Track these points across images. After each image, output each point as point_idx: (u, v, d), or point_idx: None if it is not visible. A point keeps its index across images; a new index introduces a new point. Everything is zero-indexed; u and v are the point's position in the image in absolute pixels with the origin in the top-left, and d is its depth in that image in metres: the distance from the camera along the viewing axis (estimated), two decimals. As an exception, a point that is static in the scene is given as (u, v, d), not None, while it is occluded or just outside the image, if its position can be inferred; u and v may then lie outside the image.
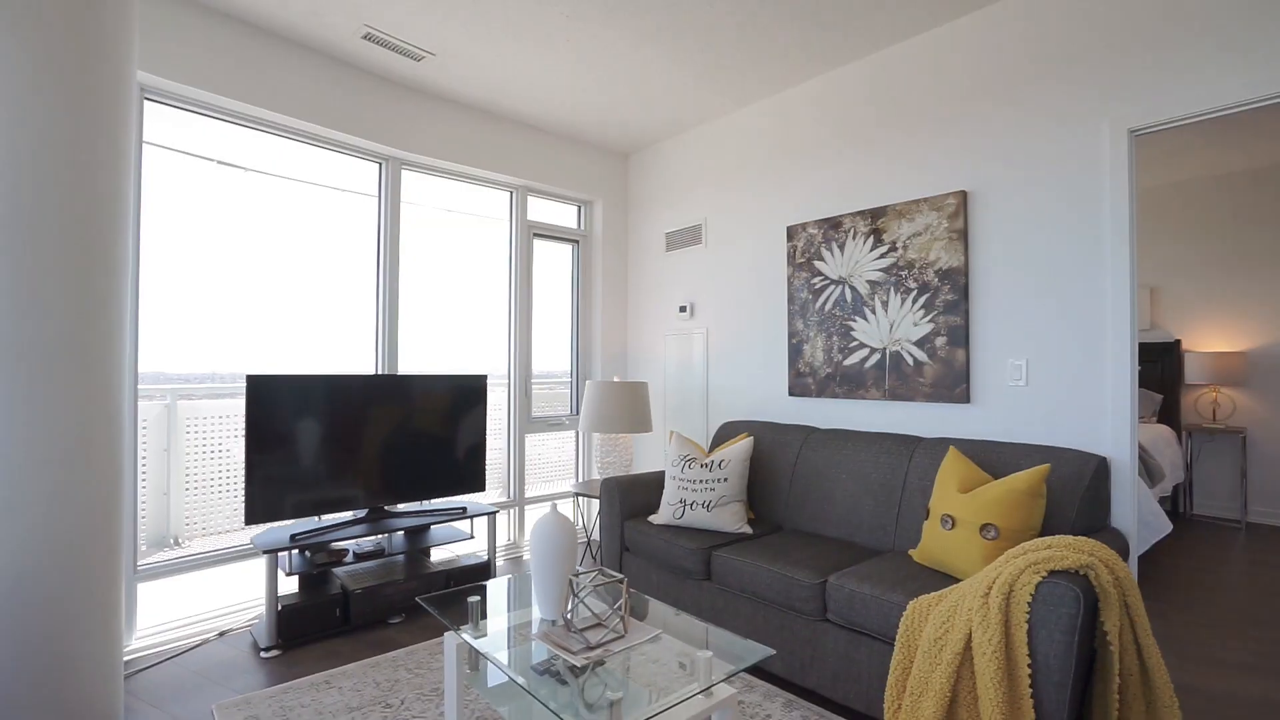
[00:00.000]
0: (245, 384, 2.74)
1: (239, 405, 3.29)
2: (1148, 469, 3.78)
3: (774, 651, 1.72)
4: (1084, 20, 2.42)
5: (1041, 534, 2.16)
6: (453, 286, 3.89)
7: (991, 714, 1.65)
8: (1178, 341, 5.15)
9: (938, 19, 2.79)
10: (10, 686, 1.76)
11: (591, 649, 1.70)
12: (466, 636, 1.86)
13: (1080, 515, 2.19)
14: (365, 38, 3.01)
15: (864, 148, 3.12)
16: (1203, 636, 2.83)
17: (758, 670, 2.44)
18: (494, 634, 1.92)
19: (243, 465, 2.81)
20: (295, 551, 3.00)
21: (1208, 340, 5.04)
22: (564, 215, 4.46)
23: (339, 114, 3.24)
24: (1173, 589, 3.43)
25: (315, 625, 2.77)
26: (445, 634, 2.12)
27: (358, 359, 3.54)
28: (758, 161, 3.64)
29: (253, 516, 2.76)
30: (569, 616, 1.79)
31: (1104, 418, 2.35)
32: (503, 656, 1.75)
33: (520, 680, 1.61)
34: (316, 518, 3.08)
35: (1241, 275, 4.84)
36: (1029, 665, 1.66)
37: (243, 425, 2.79)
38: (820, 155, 3.31)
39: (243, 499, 2.79)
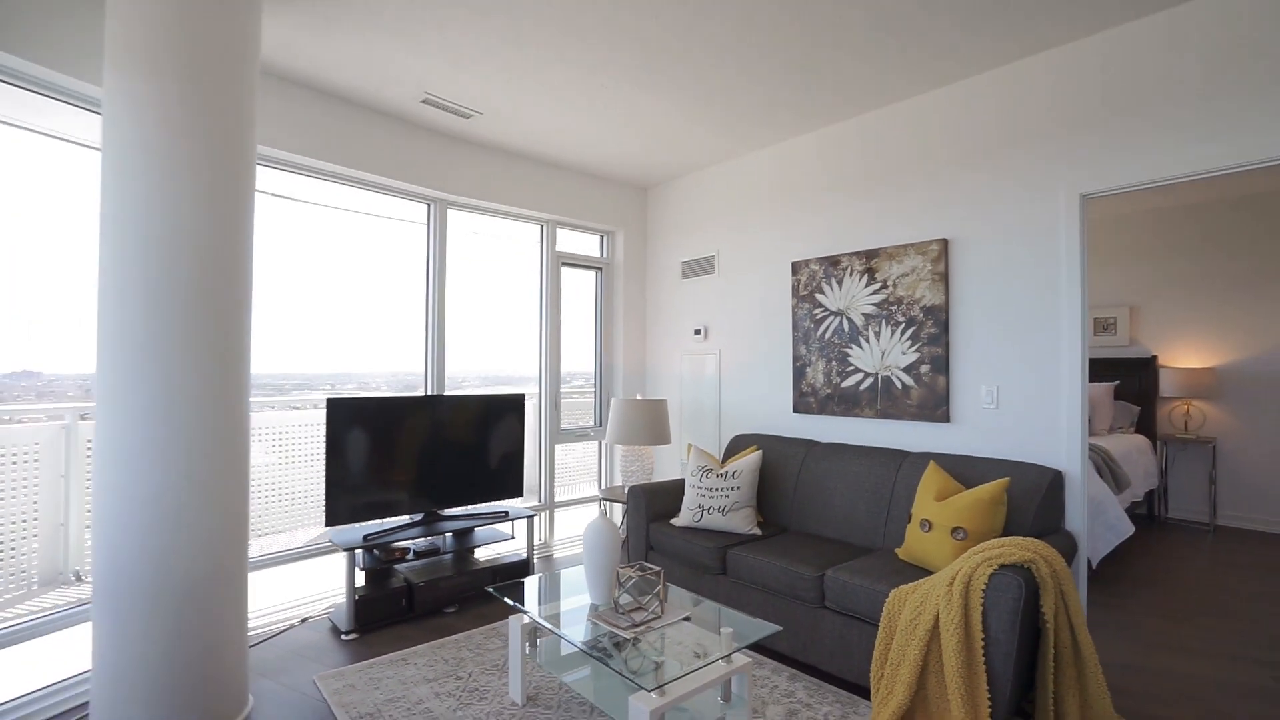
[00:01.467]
0: (325, 406, 3.20)
1: (301, 416, 3.76)
2: (1115, 477, 4.19)
3: (780, 628, 2.17)
4: (1045, 99, 2.85)
5: (1003, 534, 2.59)
6: (491, 310, 4.34)
7: (954, 678, 2.09)
8: (1154, 357, 5.55)
9: (920, 89, 3.22)
10: (169, 669, 2.20)
11: (635, 626, 2.14)
12: (538, 618, 2.31)
13: (1037, 519, 2.61)
14: (424, 101, 3.46)
15: (859, 195, 3.55)
16: (1158, 624, 3.25)
17: (767, 649, 2.88)
18: (548, 617, 2.36)
19: (300, 470, 3.26)
20: (371, 549, 3.45)
21: (1181, 357, 5.44)
22: (588, 244, 4.91)
23: (396, 164, 3.69)
24: (1138, 584, 3.85)
25: (385, 613, 3.22)
26: (510, 616, 2.55)
27: (409, 368, 3.99)
28: (765, 201, 4.08)
29: (332, 519, 3.22)
30: (617, 601, 2.23)
31: (1059, 437, 2.77)
32: (565, 634, 2.20)
33: (590, 650, 2.05)
34: (379, 520, 3.53)
35: (1213, 297, 5.24)
36: (983, 639, 2.09)
37: (304, 434, 3.24)
38: (821, 199, 3.75)
39: (301, 501, 3.24)
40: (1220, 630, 3.18)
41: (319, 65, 3.07)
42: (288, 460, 3.74)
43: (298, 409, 3.84)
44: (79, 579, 3.48)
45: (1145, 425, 5.54)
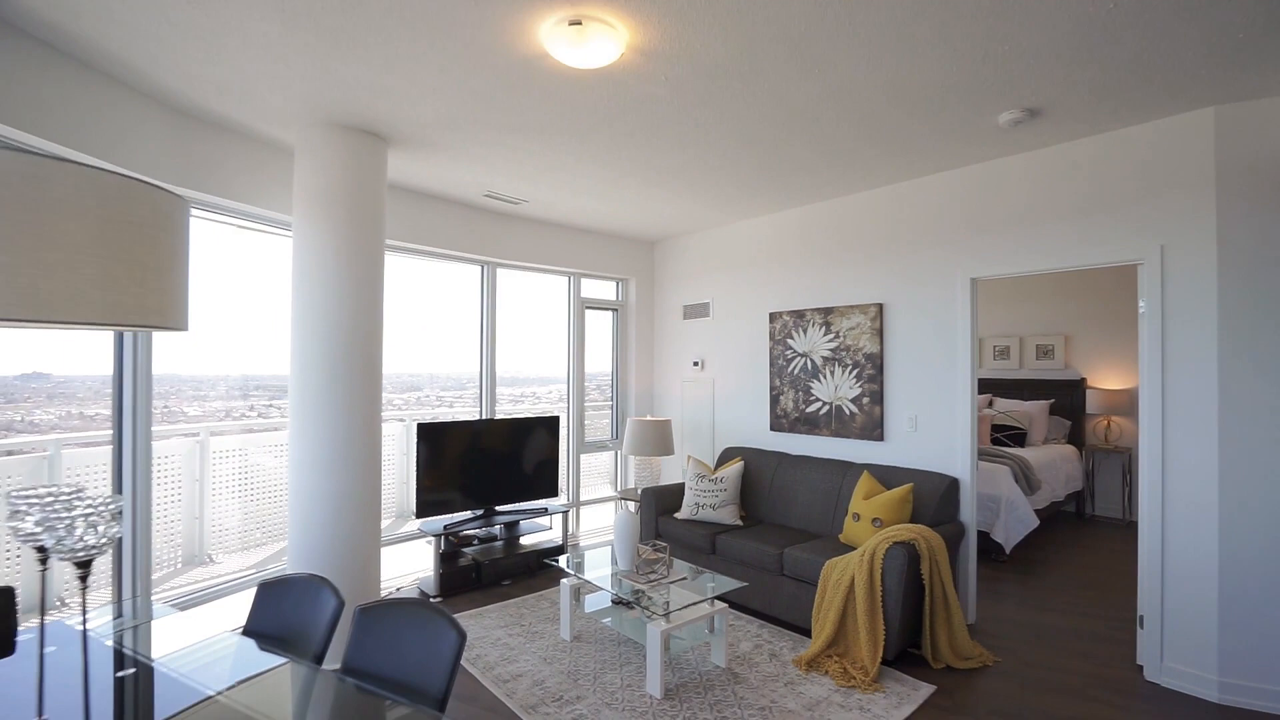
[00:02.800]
0: (416, 429, 4.29)
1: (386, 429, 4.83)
2: (1028, 481, 5.23)
3: (746, 584, 3.25)
4: (947, 206, 3.89)
5: (909, 523, 3.64)
6: (529, 343, 5.42)
7: (863, 617, 3.14)
8: (1084, 379, 6.58)
9: (862, 188, 4.27)
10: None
11: (650, 582, 3.21)
12: (586, 578, 3.38)
13: (937, 511, 3.66)
14: (485, 195, 4.54)
15: (820, 262, 4.60)
16: (1040, 593, 4.30)
17: (743, 607, 3.94)
18: (587, 580, 3.44)
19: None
20: (447, 537, 4.53)
21: (1105, 379, 6.47)
22: (607, 289, 5.98)
23: (458, 239, 4.76)
24: (1040, 565, 4.90)
25: (460, 583, 4.29)
26: (562, 580, 3.62)
27: (457, 373, 5.07)
28: (748, 261, 5.14)
29: (421, 510, 4.30)
30: (637, 566, 3.30)
31: (956, 454, 3.82)
32: (601, 592, 3.28)
33: (622, 596, 3.12)
34: (450, 515, 4.60)
35: (1129, 328, 6.26)
36: (881, 591, 3.14)
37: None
38: (791, 264, 4.81)
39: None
40: (1088, 598, 4.22)
41: (417, 179, 4.14)
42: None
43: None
44: (211, 560, 4.59)
45: (1076, 437, 6.57)
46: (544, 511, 4.85)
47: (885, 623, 3.13)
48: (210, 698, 1.50)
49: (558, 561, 3.70)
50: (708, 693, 2.98)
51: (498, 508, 4.77)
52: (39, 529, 1.14)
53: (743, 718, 2.78)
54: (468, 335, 5.07)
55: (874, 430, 4.18)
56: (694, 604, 3.08)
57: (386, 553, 4.63)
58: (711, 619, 3.24)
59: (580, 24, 2.24)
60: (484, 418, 4.93)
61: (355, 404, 3.30)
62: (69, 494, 1.23)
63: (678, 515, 4.47)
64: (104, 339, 3.15)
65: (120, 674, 1.63)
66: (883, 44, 2.41)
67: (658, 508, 4.60)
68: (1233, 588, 2.91)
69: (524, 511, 4.81)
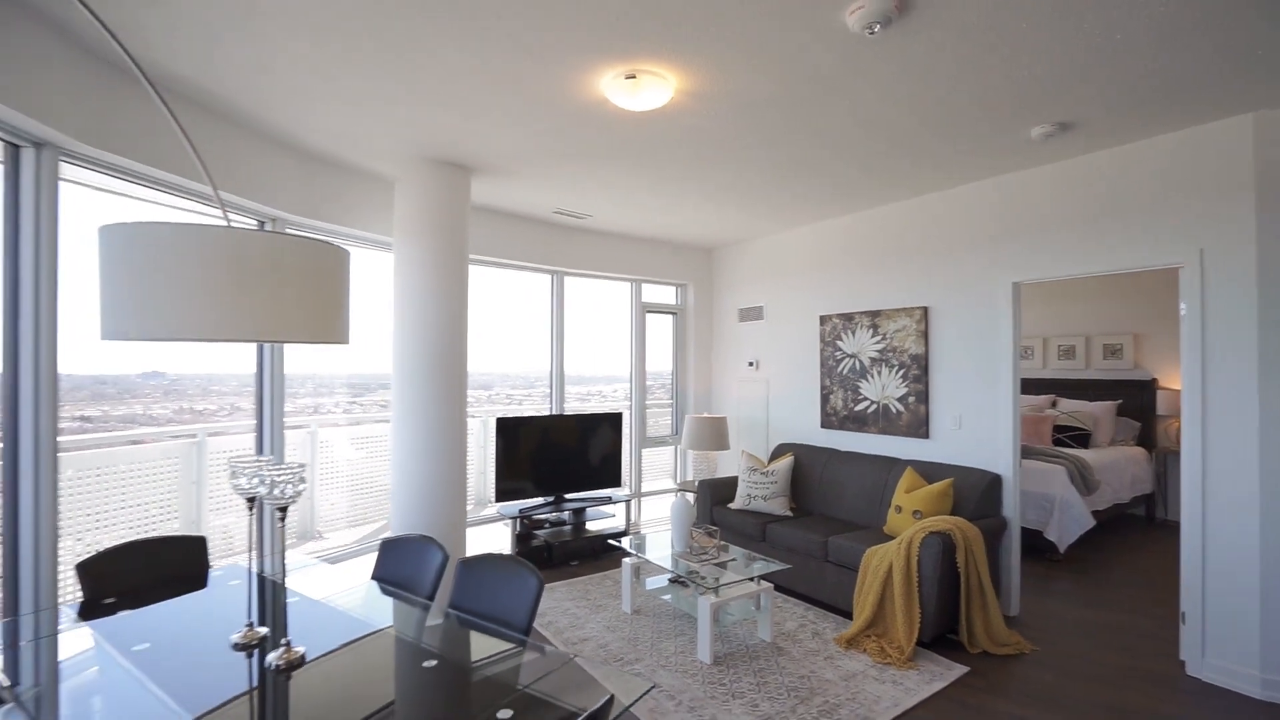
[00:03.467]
0: (495, 423, 4.81)
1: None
2: (1085, 482, 5.23)
3: (792, 567, 3.55)
4: (985, 214, 4.05)
5: (949, 515, 3.83)
6: (595, 345, 5.88)
7: (899, 601, 3.39)
8: (1154, 380, 6.43)
9: (907, 196, 4.47)
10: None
11: (702, 562, 3.57)
12: (647, 558, 3.79)
13: (978, 506, 3.84)
14: (555, 212, 5.01)
15: (868, 268, 4.82)
16: (1092, 592, 4.37)
17: (790, 591, 4.24)
18: (647, 560, 3.83)
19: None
20: (521, 519, 5.03)
21: (1177, 379, 6.30)
22: (666, 294, 6.36)
23: (531, 251, 5.26)
24: (1095, 565, 4.93)
25: (536, 561, 4.78)
26: (624, 559, 4.03)
27: (525, 372, 5.58)
28: (800, 267, 5.40)
29: (499, 496, 4.83)
30: (690, 548, 3.67)
31: (999, 451, 3.98)
32: (659, 573, 3.67)
33: (677, 573, 3.51)
34: (524, 500, 5.10)
35: (1202, 328, 6.08)
36: (918, 577, 3.38)
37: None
38: (840, 269, 5.04)
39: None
40: (1139, 596, 4.26)
41: (495, 200, 4.65)
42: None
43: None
44: (320, 535, 5.27)
45: (1147, 439, 6.42)
46: (608, 500, 5.29)
47: (920, 606, 3.37)
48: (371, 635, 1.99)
49: (620, 543, 4.12)
50: (753, 662, 3.32)
51: (566, 495, 5.25)
52: (256, 484, 1.63)
53: (783, 683, 3.10)
54: (537, 338, 5.57)
55: (919, 428, 4.37)
56: (741, 581, 3.42)
57: (467, 533, 5.17)
58: (758, 597, 3.56)
59: (635, 77, 2.63)
60: (554, 413, 5.43)
61: (445, 398, 3.83)
62: (269, 461, 1.72)
63: (731, 505, 4.80)
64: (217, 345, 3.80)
65: (291, 599, 2.15)
66: (907, 78, 2.68)
67: (713, 498, 4.94)
68: (1275, 585, 2.98)
69: (590, 499, 5.27)
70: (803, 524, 4.33)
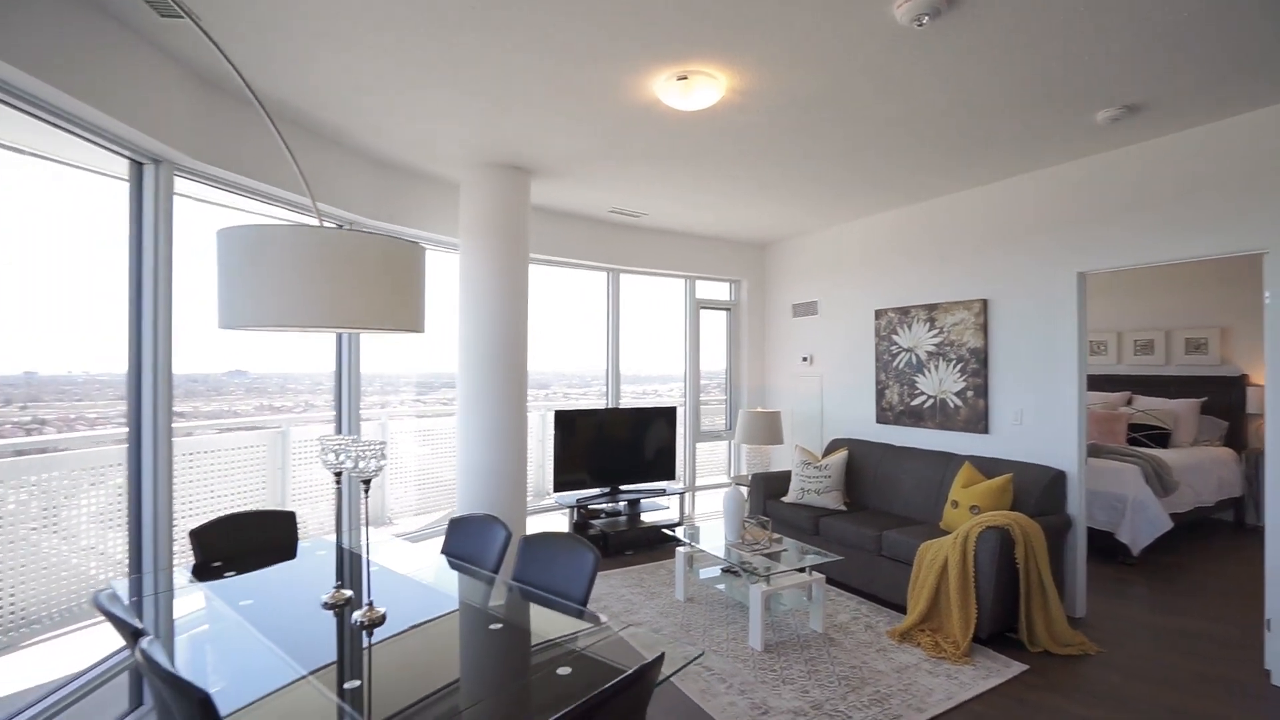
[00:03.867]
0: (554, 415, 5.00)
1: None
2: (1161, 482, 4.97)
3: (844, 559, 3.57)
4: (1047, 202, 3.93)
5: (1010, 511, 3.75)
6: (649, 343, 6.00)
7: (955, 595, 3.36)
8: (1244, 376, 6.03)
9: (966, 186, 4.38)
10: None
11: (756, 552, 3.64)
12: (701, 547, 3.88)
13: (1040, 503, 3.74)
14: (611, 211, 5.16)
15: (924, 261, 4.75)
16: (1169, 597, 4.17)
17: (844, 584, 4.24)
18: (700, 550, 3.92)
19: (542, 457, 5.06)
20: (579, 509, 5.21)
21: (1269, 375, 5.88)
22: (720, 290, 6.42)
23: (587, 250, 5.42)
24: (1172, 569, 4.69)
25: (590, 549, 4.95)
26: (677, 548, 4.14)
27: (580, 371, 5.74)
28: (854, 261, 5.36)
29: (557, 486, 5.02)
30: (744, 537, 3.74)
31: (1063, 447, 3.86)
32: (712, 563, 3.75)
33: (729, 561, 3.59)
34: (581, 491, 5.28)
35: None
36: (974, 571, 3.34)
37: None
38: (895, 263, 4.98)
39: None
40: (1223, 604, 4.05)
41: (553, 201, 4.84)
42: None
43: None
44: (391, 521, 5.59)
45: (1236, 439, 6.03)
46: (662, 492, 5.40)
47: (977, 602, 3.33)
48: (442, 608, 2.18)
49: (674, 531, 4.23)
50: (804, 650, 3.36)
51: (621, 487, 5.39)
52: (344, 459, 1.83)
53: (833, 672, 3.13)
54: (593, 338, 5.74)
55: (978, 423, 4.29)
56: (792, 570, 3.47)
57: (527, 521, 5.38)
58: (810, 587, 3.60)
59: (686, 78, 2.73)
60: (610, 406, 5.58)
61: (507, 389, 4.03)
62: (353, 440, 1.92)
63: (784, 499, 4.83)
64: (296, 345, 4.13)
65: (371, 569, 2.36)
66: (960, 68, 2.67)
67: (766, 491, 4.98)
68: (1367, 589, 2.81)
69: (645, 491, 5.39)
70: (856, 518, 4.33)
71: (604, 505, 5.28)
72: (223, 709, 1.24)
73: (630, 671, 1.27)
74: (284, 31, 2.43)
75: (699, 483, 6.24)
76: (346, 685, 1.56)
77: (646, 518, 5.47)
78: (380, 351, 4.89)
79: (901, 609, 3.83)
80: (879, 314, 5.07)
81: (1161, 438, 5.86)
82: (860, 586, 4.12)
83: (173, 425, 2.76)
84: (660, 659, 1.38)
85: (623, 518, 5.39)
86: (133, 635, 1.50)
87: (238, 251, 1.47)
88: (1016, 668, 3.18)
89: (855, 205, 4.91)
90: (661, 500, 5.56)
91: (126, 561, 2.71)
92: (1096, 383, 6.77)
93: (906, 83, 2.81)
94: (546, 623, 2.00)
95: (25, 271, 3.43)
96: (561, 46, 2.51)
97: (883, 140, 3.51)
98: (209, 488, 4.24)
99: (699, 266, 6.06)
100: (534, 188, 4.43)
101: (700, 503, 6.28)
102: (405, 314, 1.65)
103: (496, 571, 2.40)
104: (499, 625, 1.96)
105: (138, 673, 2.67)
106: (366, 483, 1.85)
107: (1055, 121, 3.23)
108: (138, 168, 2.68)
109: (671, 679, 3.03)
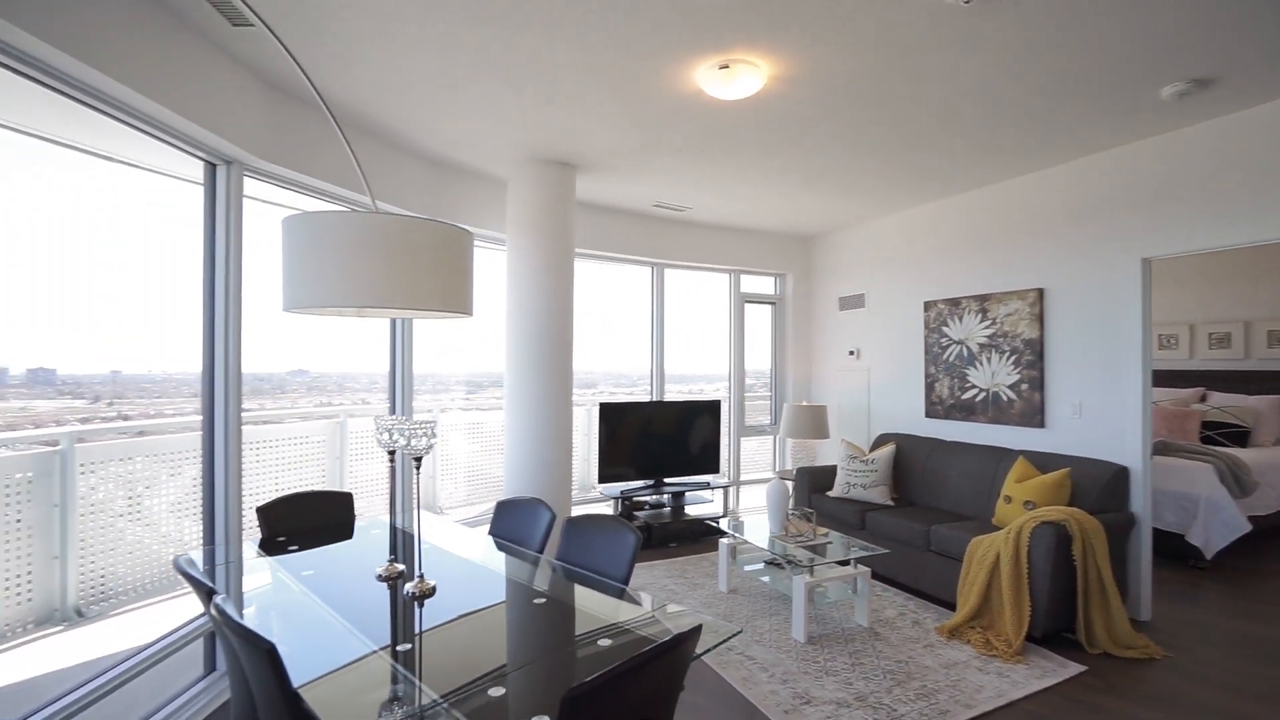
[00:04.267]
0: (599, 407, 5.07)
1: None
2: (1239, 483, 4.68)
3: (889, 551, 3.51)
4: (1108, 186, 3.76)
5: (1067, 506, 3.61)
6: (694, 341, 6.01)
7: (1007, 593, 3.26)
8: (1333, 370, 5.62)
9: (1018, 174, 4.23)
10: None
11: (799, 544, 3.61)
12: (741, 537, 3.88)
13: (1100, 499, 3.59)
14: (655, 205, 5.20)
15: (974, 251, 4.61)
16: (1246, 603, 3.94)
17: (890, 580, 4.16)
18: (743, 542, 3.91)
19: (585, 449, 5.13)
20: (623, 500, 5.27)
21: (1363, 370, 5.47)
22: (764, 284, 6.38)
23: (632, 244, 5.47)
24: (1252, 575, 4.42)
25: (633, 540, 5.00)
26: (720, 540, 4.14)
27: (624, 370, 5.79)
28: (902, 253, 5.24)
29: (602, 478, 5.09)
30: (787, 528, 3.72)
31: (1126, 442, 3.69)
32: (755, 556, 3.74)
33: (772, 552, 3.58)
34: (625, 483, 5.33)
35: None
36: (1028, 567, 3.24)
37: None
38: (944, 253, 4.85)
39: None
40: (1267, 608, 3.80)
41: (598, 195, 4.91)
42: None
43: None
44: (441, 511, 5.76)
45: (1324, 437, 5.62)
46: (706, 486, 5.41)
47: (1031, 599, 3.22)
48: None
49: (718, 523, 4.24)
50: (848, 644, 3.32)
51: (666, 480, 5.42)
52: (397, 437, 1.92)
53: (879, 665, 3.09)
54: (638, 337, 5.78)
55: (1033, 417, 4.14)
56: (836, 561, 3.43)
57: (572, 510, 5.47)
58: (855, 580, 3.55)
59: (728, 67, 2.74)
60: (654, 400, 5.61)
61: (553, 382, 4.12)
62: (404, 420, 2.01)
63: (830, 493, 4.77)
64: (352, 344, 4.31)
65: (422, 547, 2.47)
66: (1011, 46, 2.60)
67: (811, 485, 4.93)
68: None
69: (689, 484, 5.41)
70: (904, 513, 4.24)
71: (648, 497, 5.33)
72: (287, 666, 1.33)
73: (668, 638, 1.30)
74: (335, 34, 2.56)
75: (743, 478, 6.21)
76: (399, 648, 1.65)
77: (690, 511, 5.49)
78: (432, 350, 5.07)
79: (950, 606, 3.73)
80: (928, 306, 4.95)
81: (1240, 436, 5.52)
82: (907, 583, 4.04)
83: (242, 415, 2.94)
84: (698, 629, 1.41)
85: (666, 510, 5.42)
86: (207, 594, 1.62)
87: (300, 236, 1.57)
88: (1073, 668, 3.07)
89: (902, 195, 4.80)
90: (705, 494, 5.56)
91: (200, 545, 2.91)
92: (1166, 379, 6.42)
93: (954, 64, 2.75)
94: (588, 599, 2.05)
95: (112, 277, 3.72)
96: (604, 39, 2.56)
97: (930, 126, 3.43)
98: (274, 478, 4.50)
99: (743, 260, 6.03)
100: (579, 183, 4.50)
101: (744, 498, 6.25)
102: (454, 296, 1.72)
103: (541, 552, 2.47)
104: (542, 600, 2.03)
105: (211, 640, 2.86)
106: (418, 460, 1.94)
107: (1117, 99, 3.09)
108: (211, 169, 2.86)
109: (715, 667, 3.06)
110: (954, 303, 4.72)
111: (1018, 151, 3.84)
